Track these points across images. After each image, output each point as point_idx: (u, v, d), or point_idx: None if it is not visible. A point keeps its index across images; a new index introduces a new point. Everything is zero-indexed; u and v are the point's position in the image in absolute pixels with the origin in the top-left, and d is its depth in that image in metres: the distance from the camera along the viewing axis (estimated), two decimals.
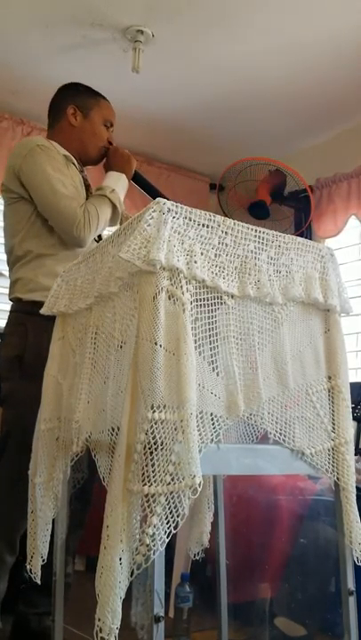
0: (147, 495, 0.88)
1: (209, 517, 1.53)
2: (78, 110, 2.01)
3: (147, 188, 2.05)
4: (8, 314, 1.94)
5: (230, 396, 1.04)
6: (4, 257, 3.34)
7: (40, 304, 1.41)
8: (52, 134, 2.03)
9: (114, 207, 1.88)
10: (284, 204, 3.33)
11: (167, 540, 0.88)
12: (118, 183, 1.95)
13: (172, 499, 0.88)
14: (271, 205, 3.11)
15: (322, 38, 2.63)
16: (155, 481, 0.88)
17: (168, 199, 1.92)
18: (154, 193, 2.02)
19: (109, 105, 2.09)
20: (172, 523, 0.88)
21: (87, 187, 2.00)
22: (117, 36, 2.67)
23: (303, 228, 3.24)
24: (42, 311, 1.39)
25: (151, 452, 0.89)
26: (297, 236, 1.21)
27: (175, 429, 0.90)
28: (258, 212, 3.23)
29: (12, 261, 1.93)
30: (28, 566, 1.30)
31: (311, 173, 3.38)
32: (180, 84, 3.06)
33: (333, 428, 1.17)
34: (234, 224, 1.07)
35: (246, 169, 3.10)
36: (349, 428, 1.18)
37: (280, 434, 1.11)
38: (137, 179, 2.03)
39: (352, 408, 1.22)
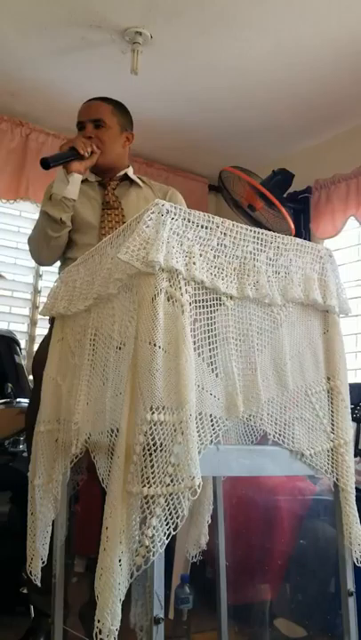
0: (146, 497, 0.88)
1: (207, 519, 1.53)
2: None
3: (62, 159, 1.87)
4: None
5: (229, 398, 1.04)
6: (4, 259, 3.40)
7: None
8: None
9: (46, 213, 1.86)
10: (283, 206, 3.32)
11: (167, 542, 0.88)
12: (55, 181, 1.90)
13: (171, 500, 0.88)
14: (264, 209, 3.08)
15: (321, 40, 2.63)
16: (154, 482, 0.88)
17: (80, 154, 1.87)
18: (67, 155, 1.86)
19: (80, 108, 2.05)
20: (172, 524, 0.88)
21: (106, 203, 1.98)
22: (116, 37, 2.67)
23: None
24: (41, 313, 1.39)
25: (150, 454, 0.89)
26: (295, 237, 1.21)
27: (174, 431, 0.90)
28: (246, 218, 3.21)
29: None
30: (27, 568, 1.29)
31: (310, 174, 3.39)
32: (178, 86, 3.06)
33: (333, 429, 1.17)
34: (233, 225, 1.07)
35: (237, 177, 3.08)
36: (349, 428, 1.18)
37: (279, 435, 1.11)
38: (46, 163, 1.83)
39: (351, 409, 1.22)
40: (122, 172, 2.06)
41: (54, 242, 1.89)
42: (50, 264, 2.00)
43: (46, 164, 1.81)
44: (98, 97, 2.07)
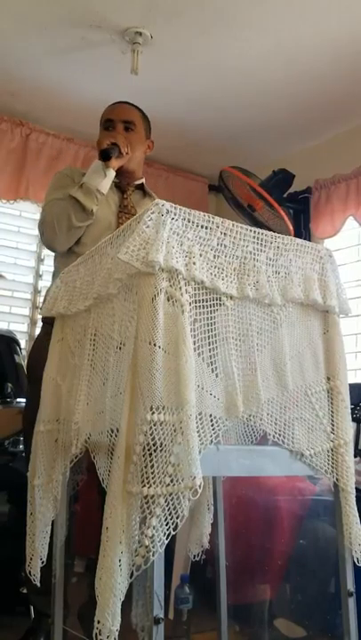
0: (146, 497, 0.88)
1: (208, 519, 1.53)
2: None
3: (114, 153, 1.90)
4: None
5: (229, 398, 1.04)
6: (4, 259, 3.40)
7: None
8: None
9: (76, 200, 1.84)
10: (283, 206, 3.32)
11: (166, 542, 0.88)
12: (89, 171, 1.91)
13: (171, 500, 0.88)
14: (263, 209, 3.08)
15: (321, 40, 2.63)
16: (154, 482, 0.88)
17: (120, 152, 1.89)
18: (115, 151, 1.90)
19: (107, 108, 2.08)
20: (172, 524, 0.88)
21: (124, 207, 1.99)
22: (116, 37, 2.67)
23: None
24: (41, 313, 1.39)
25: (150, 454, 0.89)
26: (295, 237, 1.21)
27: (174, 431, 0.90)
28: (247, 218, 3.21)
29: None
30: (27, 568, 1.29)
31: (310, 174, 3.39)
32: (178, 86, 3.06)
33: (333, 429, 1.17)
34: (233, 225, 1.07)
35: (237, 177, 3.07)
36: (349, 428, 1.18)
37: (279, 435, 1.11)
38: (107, 155, 1.89)
39: (351, 409, 1.22)
40: (139, 181, 2.09)
41: (74, 231, 1.87)
42: (60, 251, 1.95)
43: (107, 156, 1.86)
44: (125, 101, 2.10)
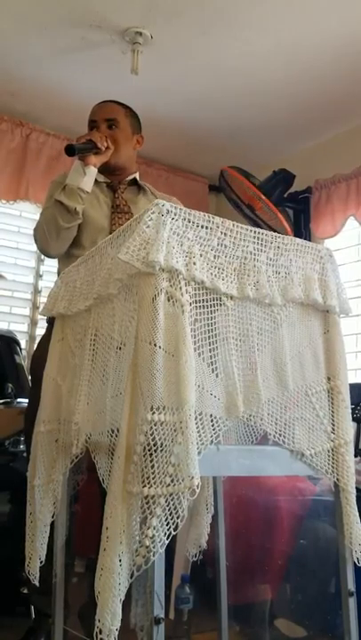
0: (146, 497, 0.88)
1: (207, 519, 1.53)
2: None
3: (84, 149, 1.88)
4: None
5: (230, 398, 1.04)
6: (4, 259, 3.40)
7: None
8: None
9: (60, 203, 1.85)
10: (282, 206, 3.33)
11: (167, 542, 0.88)
12: (70, 172, 1.91)
13: (171, 500, 0.88)
14: (262, 210, 3.08)
15: (321, 40, 2.63)
16: (154, 482, 0.88)
17: (97, 148, 1.88)
18: (88, 147, 1.88)
19: (91, 109, 2.08)
20: (172, 524, 0.88)
21: (116, 206, 1.99)
22: (116, 37, 2.67)
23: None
24: (41, 313, 1.39)
25: (151, 454, 0.89)
26: (294, 236, 1.21)
27: (175, 431, 0.90)
28: (248, 218, 3.21)
29: None
30: (26, 568, 1.29)
31: (310, 174, 3.39)
32: (178, 86, 3.06)
33: (333, 429, 1.17)
34: (233, 225, 1.07)
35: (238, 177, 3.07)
36: (349, 428, 1.18)
37: (280, 435, 1.11)
38: (72, 150, 1.84)
39: (351, 409, 1.22)
40: (131, 177, 2.08)
41: (65, 233, 1.88)
42: (56, 255, 1.98)
43: (72, 150, 1.83)
44: (110, 99, 2.09)
